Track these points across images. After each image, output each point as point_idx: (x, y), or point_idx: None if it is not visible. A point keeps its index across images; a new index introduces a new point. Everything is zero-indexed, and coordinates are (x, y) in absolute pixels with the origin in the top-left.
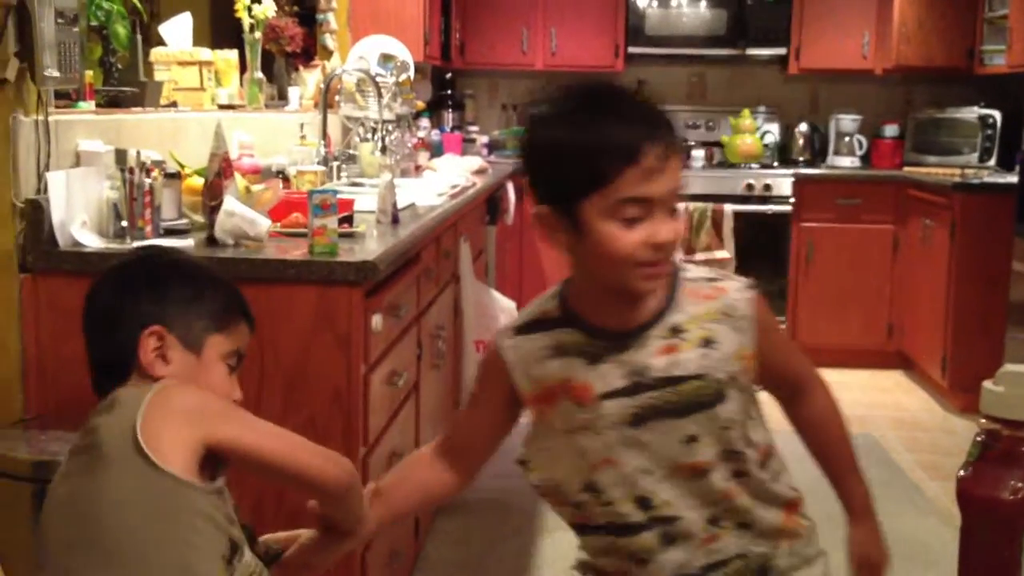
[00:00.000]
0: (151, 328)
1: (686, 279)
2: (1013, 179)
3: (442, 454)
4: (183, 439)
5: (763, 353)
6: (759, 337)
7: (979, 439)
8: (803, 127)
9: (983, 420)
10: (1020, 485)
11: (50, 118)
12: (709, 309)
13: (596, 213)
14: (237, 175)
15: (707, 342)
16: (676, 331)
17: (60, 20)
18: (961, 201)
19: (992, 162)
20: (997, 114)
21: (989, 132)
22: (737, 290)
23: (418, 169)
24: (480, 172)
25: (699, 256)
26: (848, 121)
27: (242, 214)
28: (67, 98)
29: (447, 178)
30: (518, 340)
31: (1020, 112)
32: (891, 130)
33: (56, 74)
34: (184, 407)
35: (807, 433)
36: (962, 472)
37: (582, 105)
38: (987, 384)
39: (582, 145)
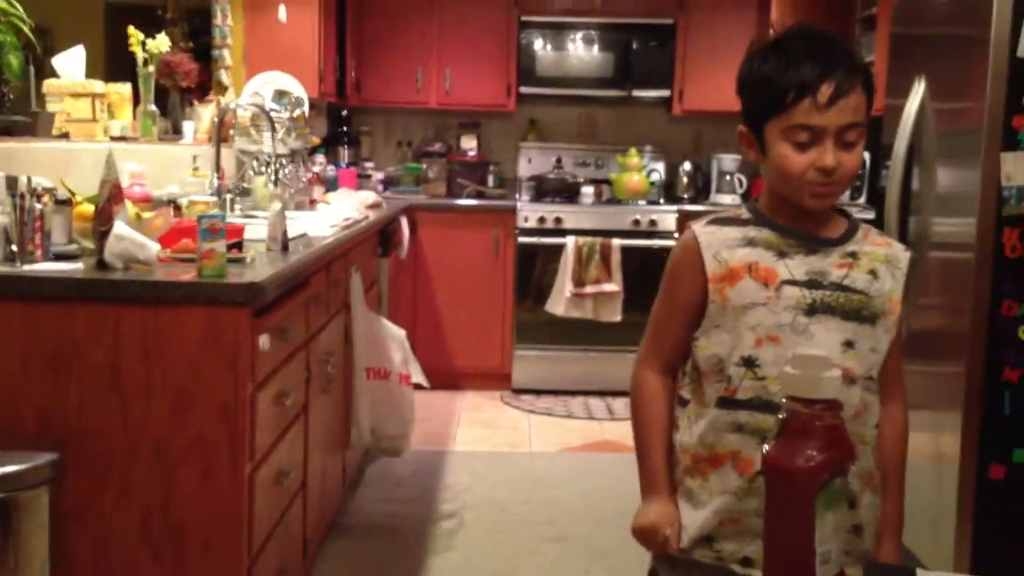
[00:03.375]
0: None
1: (862, 224)
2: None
3: (662, 372)
4: None
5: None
6: (903, 294)
7: (780, 417)
8: (687, 166)
9: (784, 400)
10: (813, 454)
11: None
12: (878, 252)
13: (775, 134)
14: (128, 202)
15: (873, 274)
16: (852, 255)
17: None
18: None
19: (862, 200)
20: (866, 155)
21: (859, 172)
22: (902, 249)
23: (312, 203)
24: (374, 206)
25: (588, 289)
26: (729, 160)
27: (132, 238)
28: None
29: (340, 211)
30: (711, 228)
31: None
32: None
33: None
34: None
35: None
36: (766, 447)
37: (780, 43)
38: (786, 368)
39: (769, 76)
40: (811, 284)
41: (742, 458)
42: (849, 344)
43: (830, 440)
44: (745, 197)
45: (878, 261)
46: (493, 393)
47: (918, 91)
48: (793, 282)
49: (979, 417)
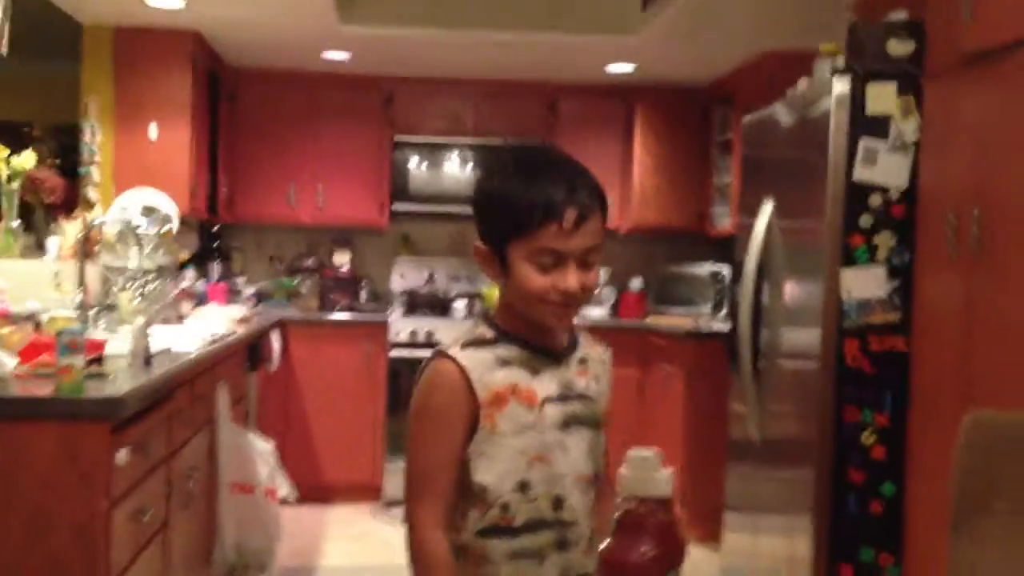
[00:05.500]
0: None
1: (579, 327)
2: None
3: (443, 527)
4: None
5: None
6: (610, 392)
7: (616, 516)
8: None
9: (620, 500)
10: (645, 549)
11: None
12: (594, 354)
13: (518, 256)
14: None
15: (597, 377)
16: (583, 361)
17: None
18: (693, 348)
19: (724, 312)
20: (726, 269)
21: (719, 286)
22: (604, 347)
23: (180, 318)
24: (243, 321)
25: None
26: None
27: None
28: None
29: (208, 326)
30: (467, 352)
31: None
32: (636, 283)
33: None
34: None
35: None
36: (602, 545)
37: (521, 163)
38: (620, 470)
39: (513, 199)
40: (563, 398)
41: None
42: (591, 451)
43: (663, 536)
44: (614, 309)
45: (597, 363)
46: (364, 506)
47: (766, 210)
48: (550, 399)
49: (828, 519)
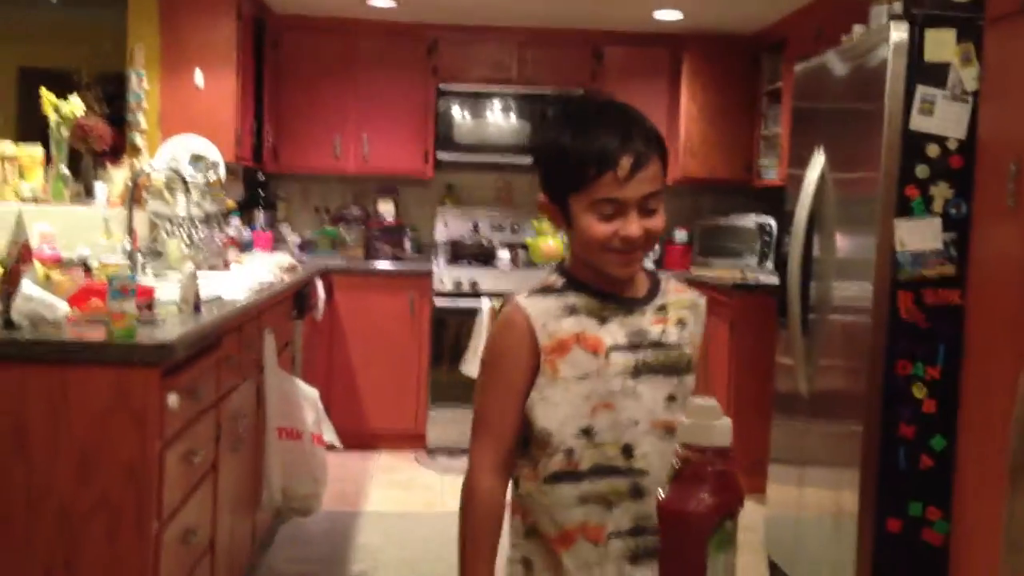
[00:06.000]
0: None
1: (662, 275)
2: None
3: (500, 473)
4: None
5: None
6: (704, 336)
7: (674, 464)
8: None
9: (679, 448)
10: (705, 497)
11: None
12: (681, 299)
13: (580, 207)
14: (37, 263)
15: (681, 323)
16: (662, 309)
17: None
18: (739, 300)
19: (770, 265)
20: (773, 221)
21: (766, 238)
22: (698, 294)
23: (227, 265)
24: (289, 269)
25: None
26: None
27: (40, 298)
28: None
29: (255, 274)
30: (533, 299)
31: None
32: (681, 235)
33: None
34: None
35: None
36: (661, 493)
37: (574, 115)
38: (680, 418)
39: (567, 152)
40: (633, 347)
41: (591, 527)
42: (672, 398)
43: (721, 484)
44: (658, 262)
45: (683, 308)
46: (407, 454)
47: (818, 161)
48: (618, 347)
49: (876, 473)
